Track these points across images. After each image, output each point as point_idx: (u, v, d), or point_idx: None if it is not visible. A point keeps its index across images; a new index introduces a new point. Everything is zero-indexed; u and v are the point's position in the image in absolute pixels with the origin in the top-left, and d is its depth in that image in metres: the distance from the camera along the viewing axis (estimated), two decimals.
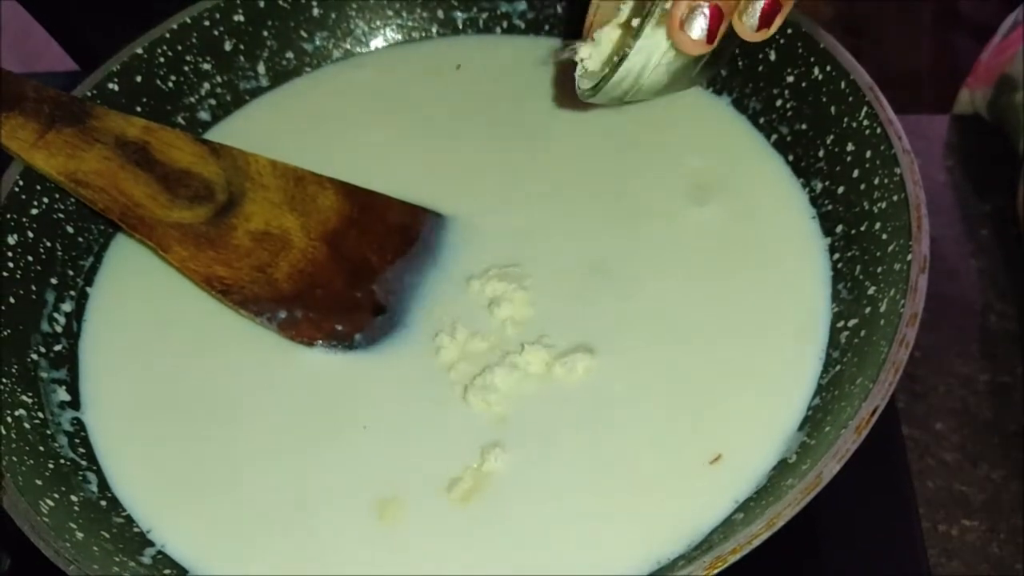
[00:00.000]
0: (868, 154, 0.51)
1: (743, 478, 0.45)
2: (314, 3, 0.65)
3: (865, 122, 0.51)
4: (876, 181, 0.50)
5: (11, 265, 0.52)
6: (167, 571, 0.45)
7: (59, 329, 0.54)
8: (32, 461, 0.47)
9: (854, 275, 0.50)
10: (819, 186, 0.55)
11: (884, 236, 0.49)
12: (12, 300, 0.52)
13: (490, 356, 0.50)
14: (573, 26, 0.65)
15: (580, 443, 0.47)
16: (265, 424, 0.50)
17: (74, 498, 0.47)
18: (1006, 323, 0.63)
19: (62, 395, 0.52)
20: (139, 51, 0.60)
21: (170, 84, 0.61)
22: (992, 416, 0.60)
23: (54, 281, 0.55)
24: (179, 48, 0.61)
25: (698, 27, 0.42)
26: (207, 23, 0.62)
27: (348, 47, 0.66)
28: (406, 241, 0.55)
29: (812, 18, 0.55)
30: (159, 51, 0.60)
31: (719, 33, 0.42)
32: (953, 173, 0.71)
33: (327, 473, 0.48)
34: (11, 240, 0.53)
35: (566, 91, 0.62)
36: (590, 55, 0.50)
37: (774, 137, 0.58)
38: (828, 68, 0.54)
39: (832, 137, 0.54)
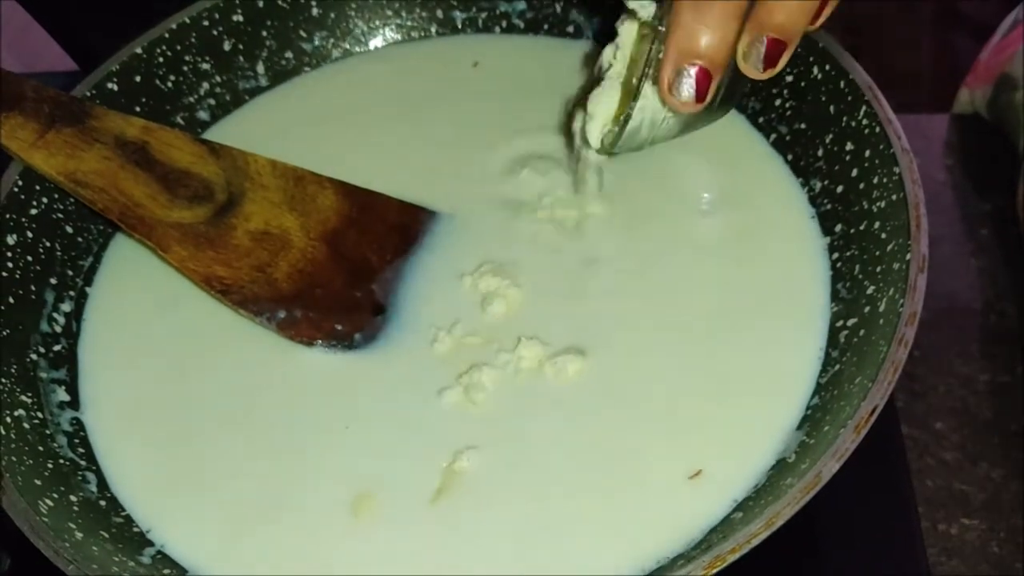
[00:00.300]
0: (867, 153, 0.51)
1: (742, 477, 0.45)
2: (313, 3, 0.65)
3: (864, 121, 0.51)
4: (875, 180, 0.50)
5: (10, 265, 0.52)
6: (166, 571, 0.45)
7: (58, 329, 0.54)
8: (31, 461, 0.47)
9: (853, 274, 0.50)
10: (818, 185, 0.55)
11: (883, 235, 0.49)
12: (11, 300, 0.52)
13: (485, 355, 0.50)
14: (571, 26, 0.65)
15: (565, 446, 0.47)
16: (265, 424, 0.50)
17: (73, 498, 0.47)
18: (1006, 322, 0.63)
19: (61, 395, 0.52)
20: (138, 51, 0.60)
21: (169, 84, 0.61)
22: (992, 415, 0.60)
23: (53, 281, 0.55)
24: (178, 48, 0.61)
25: (686, 90, 0.42)
26: (206, 23, 0.62)
27: (347, 47, 0.66)
28: (406, 240, 0.55)
29: None
30: (158, 51, 0.60)
31: (710, 91, 0.43)
32: (952, 172, 0.71)
33: (327, 473, 0.48)
34: (10, 240, 0.53)
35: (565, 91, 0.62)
36: (584, 125, 0.52)
37: (773, 136, 0.58)
38: (827, 67, 0.54)
39: (831, 136, 0.54)
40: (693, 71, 0.42)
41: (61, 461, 0.48)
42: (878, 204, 0.50)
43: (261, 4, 0.63)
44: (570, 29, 0.65)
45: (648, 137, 0.49)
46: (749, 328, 0.50)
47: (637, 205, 0.56)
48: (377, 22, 0.66)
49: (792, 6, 0.42)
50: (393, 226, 0.56)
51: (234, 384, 0.51)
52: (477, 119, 0.61)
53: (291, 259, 0.54)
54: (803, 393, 0.47)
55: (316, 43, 0.66)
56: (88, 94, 0.57)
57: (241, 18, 0.63)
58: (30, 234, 0.54)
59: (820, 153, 0.55)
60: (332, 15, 0.66)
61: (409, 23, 0.67)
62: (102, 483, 0.49)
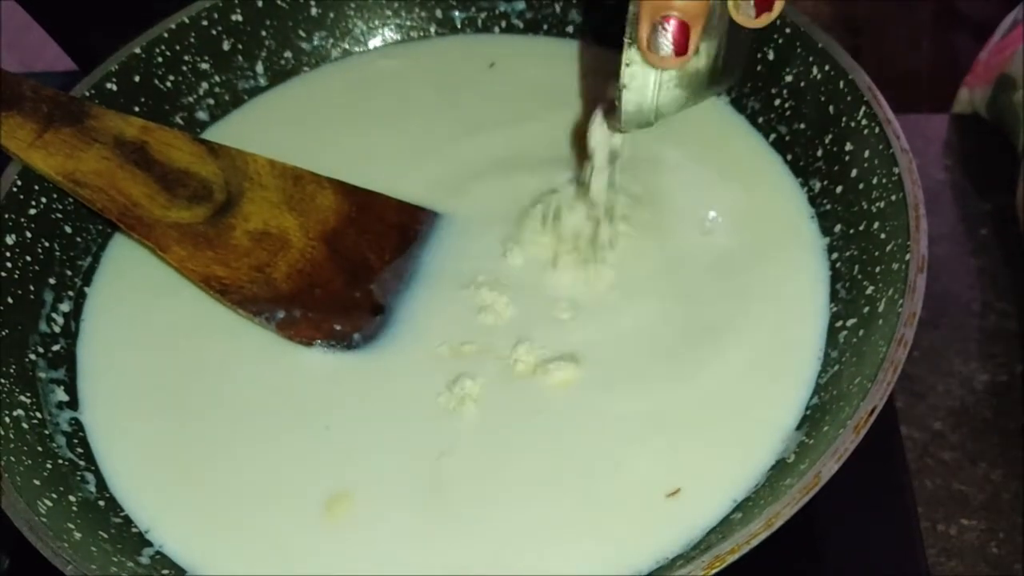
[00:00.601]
0: (867, 154, 0.51)
1: (741, 478, 0.45)
2: (312, 3, 0.65)
3: (864, 121, 0.51)
4: (875, 181, 0.50)
5: (9, 265, 0.52)
6: (165, 571, 0.45)
7: (57, 329, 0.54)
8: (30, 461, 0.47)
9: (852, 275, 0.50)
10: (818, 186, 0.55)
11: (883, 236, 0.49)
12: (10, 300, 0.52)
13: (481, 357, 0.50)
14: (571, 26, 0.65)
15: (553, 451, 0.47)
16: (264, 424, 0.50)
17: (72, 498, 0.47)
18: (1005, 322, 0.63)
19: (60, 395, 0.52)
20: (137, 51, 0.59)
21: (168, 84, 0.61)
22: (991, 415, 0.60)
23: (52, 281, 0.55)
24: (177, 48, 0.61)
25: (664, 45, 0.42)
26: (205, 23, 0.62)
27: (346, 47, 0.66)
28: (405, 240, 0.55)
29: (811, 17, 0.55)
30: (157, 51, 0.60)
31: (690, 43, 0.42)
32: (952, 172, 0.71)
33: (329, 473, 0.48)
34: (9, 240, 0.53)
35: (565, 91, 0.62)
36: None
37: (773, 137, 0.58)
38: (827, 68, 0.54)
39: (831, 137, 0.54)
40: (669, 25, 0.42)
41: (60, 461, 0.48)
42: (877, 204, 0.50)
43: (260, 4, 0.63)
44: (569, 29, 0.65)
45: (653, 106, 0.48)
46: (748, 328, 0.50)
47: (636, 206, 0.56)
48: (376, 22, 0.66)
49: None
50: (392, 226, 0.56)
51: (234, 384, 0.51)
52: (478, 119, 0.61)
53: (290, 259, 0.54)
54: (802, 393, 0.48)
55: (315, 43, 0.66)
56: (87, 94, 0.57)
57: (240, 18, 0.63)
58: (29, 234, 0.54)
59: (820, 153, 0.55)
60: (331, 15, 0.66)
61: (408, 23, 0.67)
62: (101, 483, 0.49)
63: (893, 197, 0.49)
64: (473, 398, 0.49)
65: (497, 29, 0.66)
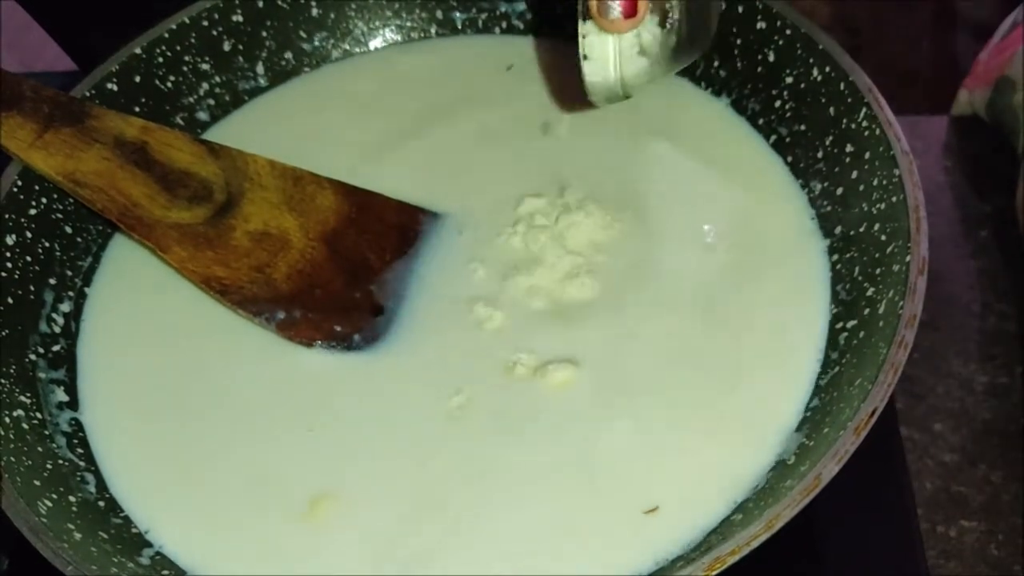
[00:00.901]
0: (867, 155, 0.51)
1: (741, 479, 0.45)
2: (313, 3, 0.65)
3: (864, 123, 0.51)
4: (875, 182, 0.50)
5: (9, 265, 0.52)
6: (165, 572, 0.45)
7: (57, 329, 0.54)
8: (30, 461, 0.47)
9: (853, 276, 0.50)
10: (818, 187, 0.55)
11: (883, 237, 0.49)
12: (10, 300, 0.52)
13: (480, 357, 0.50)
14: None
15: (547, 453, 0.47)
16: (264, 425, 0.50)
17: (72, 499, 0.47)
18: (1005, 324, 0.63)
19: (60, 395, 0.52)
20: (138, 51, 0.59)
21: (169, 84, 0.61)
22: (991, 417, 0.60)
23: (52, 281, 0.55)
24: (178, 48, 0.61)
25: (613, 8, 0.42)
26: (206, 23, 0.62)
27: (347, 47, 0.66)
28: (405, 241, 0.55)
29: (810, 19, 0.55)
30: (158, 51, 0.60)
31: (639, 5, 0.42)
32: (952, 174, 0.71)
33: (329, 472, 0.48)
34: (9, 240, 0.53)
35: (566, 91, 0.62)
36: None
37: (773, 138, 0.58)
38: (827, 69, 0.54)
39: (831, 138, 0.54)
40: None
41: (60, 462, 0.48)
42: (878, 206, 0.50)
43: (261, 4, 0.63)
44: (570, 30, 0.65)
45: (617, 77, 0.48)
46: (748, 329, 0.50)
47: (636, 209, 0.56)
48: (377, 23, 0.66)
49: None
50: (392, 227, 0.56)
51: (234, 385, 0.51)
52: (478, 120, 0.61)
53: (290, 260, 0.54)
54: (802, 395, 0.48)
55: (316, 44, 0.66)
56: (87, 94, 0.57)
57: (241, 18, 0.63)
58: (29, 234, 0.54)
59: (820, 155, 0.55)
60: (332, 16, 0.66)
61: (409, 24, 0.67)
62: (101, 484, 0.49)
63: (893, 199, 0.49)
64: (472, 400, 0.49)
65: (498, 30, 0.66)
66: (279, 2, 0.63)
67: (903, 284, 0.45)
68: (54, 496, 0.46)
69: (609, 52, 0.46)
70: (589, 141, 0.59)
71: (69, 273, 0.56)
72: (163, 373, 0.52)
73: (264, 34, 0.64)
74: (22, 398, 0.50)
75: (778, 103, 0.57)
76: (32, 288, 0.53)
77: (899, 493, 0.54)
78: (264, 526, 0.46)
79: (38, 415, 0.50)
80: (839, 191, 0.53)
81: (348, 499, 0.47)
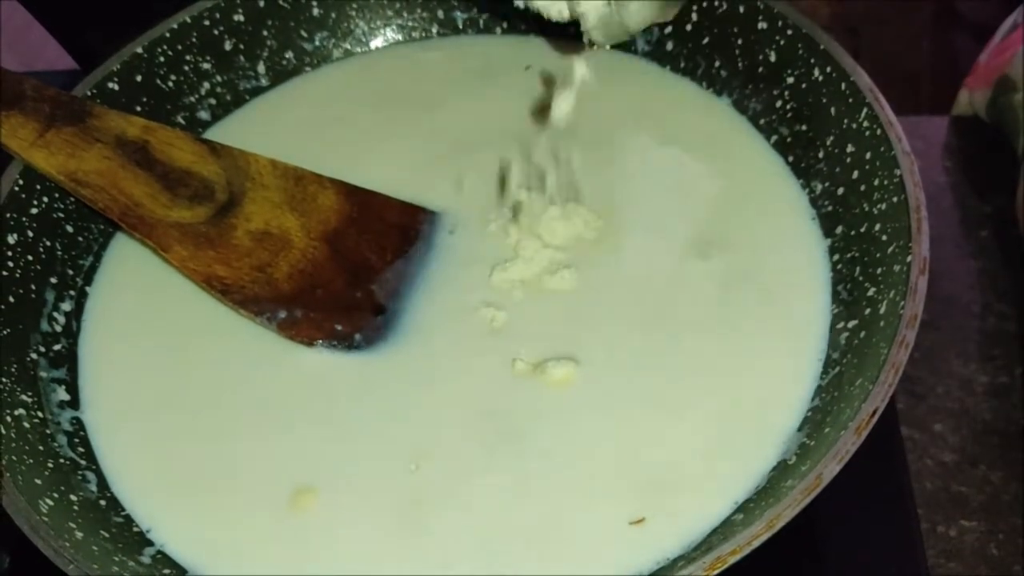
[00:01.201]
0: (868, 155, 0.51)
1: (743, 479, 0.45)
2: (314, 3, 0.65)
3: (865, 123, 0.52)
4: (876, 182, 0.50)
5: (11, 264, 0.52)
6: (166, 571, 0.45)
7: (59, 328, 0.54)
8: (31, 460, 0.47)
9: (854, 276, 0.50)
10: (819, 187, 0.55)
11: (884, 237, 0.49)
12: (12, 299, 0.52)
13: (481, 357, 0.50)
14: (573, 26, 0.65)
15: (545, 451, 0.47)
16: (266, 424, 0.50)
17: (73, 497, 0.47)
18: (1005, 324, 0.63)
19: (61, 394, 0.52)
20: (139, 50, 0.59)
21: (170, 83, 0.61)
22: (991, 417, 0.60)
23: (54, 280, 0.55)
24: (179, 47, 0.61)
25: None
26: (207, 22, 0.62)
27: (348, 47, 0.66)
28: (406, 241, 0.55)
29: (811, 19, 0.55)
30: (159, 50, 0.60)
31: None
32: (952, 174, 0.71)
33: (331, 471, 0.48)
34: (11, 239, 0.53)
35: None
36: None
37: (774, 138, 0.58)
38: (828, 69, 0.54)
39: (832, 138, 0.54)
40: None
41: (61, 460, 0.48)
42: (879, 206, 0.50)
43: (262, 4, 0.63)
44: (572, 30, 0.65)
45: (615, 14, 0.48)
46: (749, 330, 0.50)
47: (636, 208, 0.56)
48: (378, 22, 0.66)
49: None
50: (393, 226, 0.56)
51: (235, 384, 0.51)
52: (478, 119, 0.61)
53: (291, 259, 0.54)
54: (804, 395, 0.48)
55: (317, 43, 0.66)
56: (89, 93, 0.57)
57: (242, 18, 0.63)
58: (31, 233, 0.54)
59: (821, 155, 0.55)
60: (333, 15, 0.66)
61: (410, 23, 0.67)
62: (102, 483, 0.49)
63: (894, 199, 0.49)
64: (471, 399, 0.49)
65: (499, 30, 0.66)
66: (280, 1, 0.64)
67: (904, 284, 0.45)
68: (55, 495, 0.46)
69: None
70: (589, 141, 0.59)
71: (70, 272, 0.56)
72: (164, 372, 0.52)
73: (265, 33, 0.64)
74: (23, 397, 0.50)
75: (779, 103, 0.57)
76: (33, 287, 0.53)
77: (899, 493, 0.54)
78: (266, 525, 0.46)
79: (39, 414, 0.50)
80: (840, 191, 0.53)
81: (347, 497, 0.47)
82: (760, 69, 0.58)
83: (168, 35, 0.60)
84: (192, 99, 0.62)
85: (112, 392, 0.52)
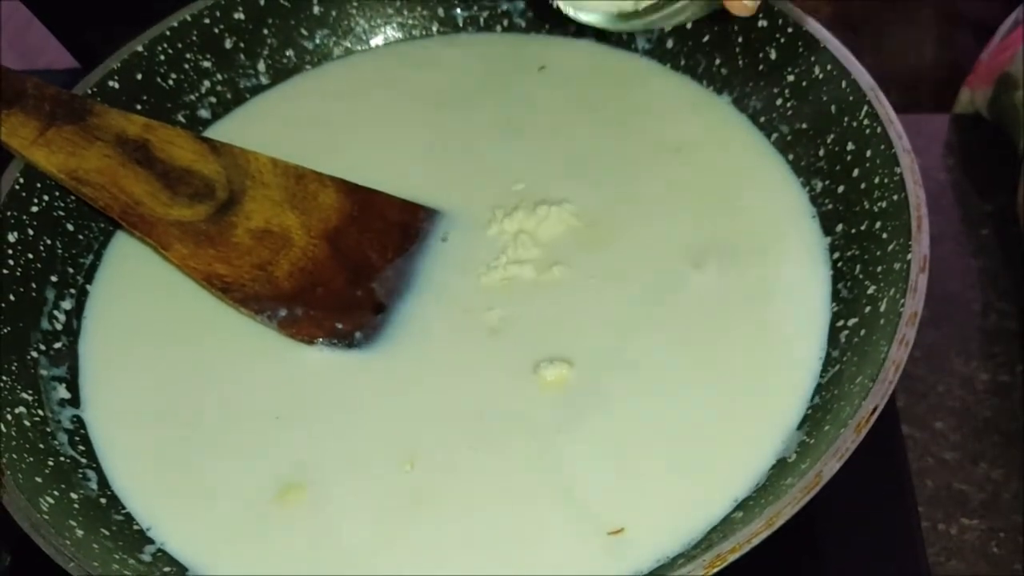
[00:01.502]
0: (868, 153, 0.51)
1: (743, 476, 0.45)
2: (314, 1, 0.65)
3: (865, 121, 0.52)
4: (876, 180, 0.50)
5: (11, 263, 0.52)
6: (167, 569, 0.45)
7: (59, 327, 0.54)
8: (32, 458, 0.47)
9: (854, 274, 0.50)
10: (819, 185, 0.55)
11: (884, 235, 0.49)
12: (12, 298, 0.52)
13: (481, 357, 0.50)
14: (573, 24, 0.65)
15: (544, 449, 0.47)
16: (266, 423, 0.50)
17: (74, 495, 0.47)
18: (1006, 322, 0.63)
19: (62, 393, 0.52)
20: (139, 49, 0.60)
21: (170, 82, 0.61)
22: (992, 415, 0.60)
23: (54, 279, 0.55)
24: (179, 46, 0.61)
25: None
26: (207, 21, 0.62)
27: (349, 45, 0.66)
28: (406, 239, 0.55)
29: (812, 17, 0.55)
30: (159, 49, 0.60)
31: None
32: (953, 172, 0.71)
33: (330, 471, 0.48)
34: (11, 238, 0.53)
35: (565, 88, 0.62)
36: None
37: (774, 136, 0.58)
38: (829, 67, 0.54)
39: (832, 136, 0.54)
40: None
41: (62, 459, 0.48)
42: (879, 204, 0.50)
43: (262, 2, 0.63)
44: (572, 28, 0.65)
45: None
46: (749, 328, 0.50)
47: (635, 206, 0.56)
48: (379, 20, 0.66)
49: None
50: (394, 224, 0.56)
51: (235, 382, 0.51)
52: (479, 117, 0.61)
53: (292, 257, 0.54)
54: (804, 393, 0.48)
55: (317, 41, 0.66)
56: (89, 92, 0.57)
57: (242, 16, 0.63)
58: (31, 231, 0.54)
59: (821, 153, 0.55)
60: (333, 13, 0.66)
61: (411, 22, 0.67)
62: (103, 481, 0.49)
63: (895, 197, 0.49)
64: (471, 397, 0.49)
65: (499, 28, 0.66)
66: (280, 0, 0.63)
67: (904, 282, 0.45)
68: (56, 493, 0.46)
69: None
70: (589, 139, 0.59)
71: (71, 270, 0.56)
72: (165, 371, 0.52)
73: (265, 32, 0.64)
74: (24, 395, 0.50)
75: (779, 101, 0.57)
76: (34, 285, 0.53)
77: (900, 491, 0.54)
78: (266, 523, 0.46)
79: (40, 412, 0.50)
80: (840, 189, 0.53)
81: (345, 495, 0.47)
82: (760, 67, 0.58)
83: (168, 33, 0.60)
84: (192, 97, 0.62)
85: (113, 390, 0.52)
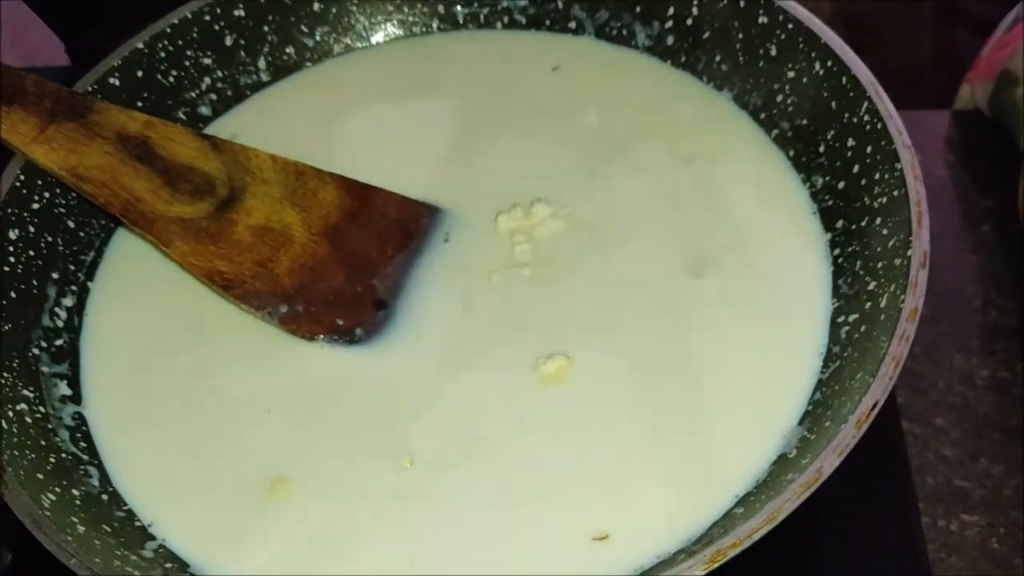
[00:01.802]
0: (869, 149, 0.51)
1: (743, 472, 0.45)
2: None
3: (866, 118, 0.51)
4: (877, 176, 0.50)
5: (12, 260, 0.52)
6: (168, 565, 0.45)
7: (60, 324, 0.54)
8: (33, 455, 0.47)
9: (854, 270, 0.50)
10: (820, 181, 0.55)
11: (885, 231, 0.49)
12: (13, 295, 0.52)
13: (481, 354, 0.50)
14: (573, 22, 0.65)
15: (544, 448, 0.47)
16: (268, 419, 0.50)
17: (75, 492, 0.47)
18: (1006, 318, 0.64)
19: (63, 389, 0.52)
20: (140, 46, 0.59)
21: (171, 79, 0.61)
22: (992, 411, 0.60)
23: (55, 276, 0.55)
24: (180, 43, 0.61)
25: None
26: (208, 18, 0.62)
27: (349, 42, 0.66)
28: (407, 236, 0.55)
29: (813, 13, 0.55)
30: (160, 46, 0.60)
31: None
32: (954, 168, 0.71)
33: (331, 470, 0.48)
34: (12, 235, 0.53)
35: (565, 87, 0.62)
36: None
37: (775, 132, 0.58)
38: (829, 63, 0.54)
39: (833, 132, 0.54)
40: None
41: (63, 455, 0.48)
42: (879, 200, 0.50)
43: None
44: (572, 25, 0.65)
45: None
46: (750, 324, 0.50)
47: (636, 202, 0.56)
48: (379, 17, 0.66)
49: None
50: (394, 221, 0.56)
51: (236, 378, 0.51)
52: (478, 116, 0.61)
53: (292, 254, 0.54)
54: (804, 388, 0.48)
55: (318, 38, 0.66)
56: (90, 89, 0.57)
57: (243, 13, 0.63)
58: (32, 229, 0.54)
59: (822, 149, 0.55)
60: (334, 10, 0.65)
61: (411, 18, 0.67)
62: (104, 477, 0.49)
63: (895, 193, 0.49)
64: (470, 397, 0.49)
65: (500, 25, 0.66)
66: None
67: (904, 278, 0.45)
68: (57, 490, 0.46)
69: None
70: (588, 137, 0.59)
71: (72, 267, 0.56)
72: (166, 367, 0.52)
73: (266, 29, 0.64)
74: (25, 392, 0.50)
75: (780, 97, 0.57)
76: (35, 282, 0.54)
77: (900, 487, 0.54)
78: (267, 520, 0.46)
79: (41, 409, 0.50)
80: (841, 185, 0.53)
81: (344, 492, 0.47)
82: (761, 63, 0.58)
83: (169, 30, 0.60)
84: (193, 94, 0.62)
85: (114, 387, 0.52)
